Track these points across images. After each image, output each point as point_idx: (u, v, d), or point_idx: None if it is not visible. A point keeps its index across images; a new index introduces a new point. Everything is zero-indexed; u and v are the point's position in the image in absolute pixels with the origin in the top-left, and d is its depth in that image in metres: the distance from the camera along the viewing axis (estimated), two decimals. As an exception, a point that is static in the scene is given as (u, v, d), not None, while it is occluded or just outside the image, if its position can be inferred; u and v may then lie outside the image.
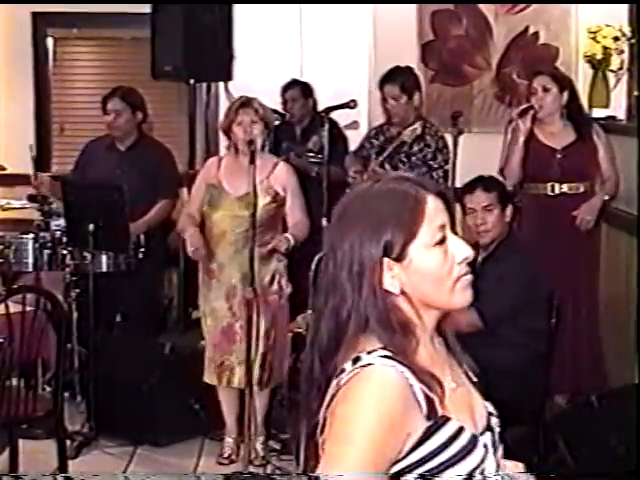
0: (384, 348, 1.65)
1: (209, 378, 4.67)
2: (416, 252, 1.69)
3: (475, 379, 1.82)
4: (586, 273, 5.25)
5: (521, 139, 5.09)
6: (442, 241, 1.70)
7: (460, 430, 1.67)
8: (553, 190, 5.14)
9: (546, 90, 5.14)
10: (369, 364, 1.63)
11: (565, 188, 5.15)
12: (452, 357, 1.80)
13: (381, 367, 1.62)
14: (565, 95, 5.18)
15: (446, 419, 1.66)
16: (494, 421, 1.79)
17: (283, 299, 4.64)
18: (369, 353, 1.65)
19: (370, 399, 1.60)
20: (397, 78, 5.34)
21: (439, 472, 1.64)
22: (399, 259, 1.68)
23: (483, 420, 1.76)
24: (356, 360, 1.65)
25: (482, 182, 4.39)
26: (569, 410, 4.77)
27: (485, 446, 1.71)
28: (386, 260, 1.68)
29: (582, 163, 5.18)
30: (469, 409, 1.73)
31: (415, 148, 5.23)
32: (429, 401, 1.64)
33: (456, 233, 1.74)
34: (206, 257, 4.61)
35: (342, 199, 1.78)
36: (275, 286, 4.61)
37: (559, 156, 5.16)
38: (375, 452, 1.59)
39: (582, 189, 5.19)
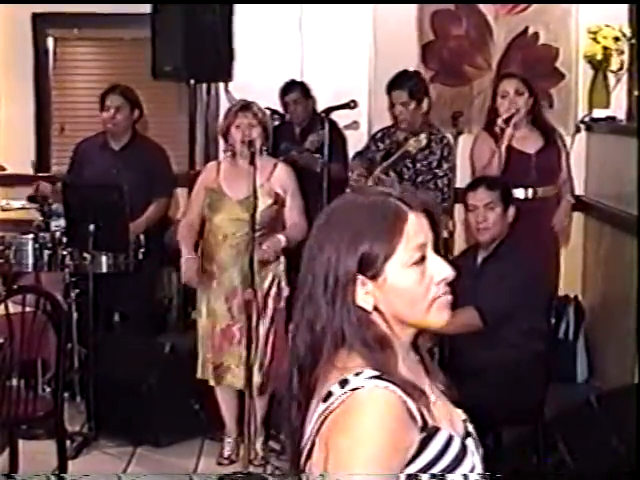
0: (370, 367, 1.61)
1: (205, 377, 4.69)
2: (392, 270, 1.66)
3: (444, 390, 1.79)
4: (556, 276, 5.26)
5: (503, 146, 5.02)
6: (421, 260, 1.67)
7: (450, 439, 1.66)
8: (527, 194, 5.08)
9: (519, 94, 5.08)
10: (359, 387, 1.59)
11: (540, 192, 5.12)
12: (427, 373, 1.77)
13: (373, 389, 1.58)
14: (531, 100, 5.13)
15: (436, 429, 1.64)
16: (470, 427, 1.77)
17: (282, 302, 4.63)
18: (357, 375, 1.61)
19: (368, 425, 1.56)
20: (405, 84, 5.29)
21: None
22: (374, 277, 1.66)
23: (461, 428, 1.75)
24: (344, 383, 1.61)
25: (485, 180, 4.46)
26: (569, 410, 4.76)
27: (472, 453, 1.71)
28: (360, 277, 1.65)
29: (553, 167, 5.18)
30: (449, 419, 1.72)
31: (420, 155, 5.20)
32: (421, 413, 1.62)
33: (439, 252, 1.71)
34: (206, 260, 4.63)
35: (326, 208, 1.76)
36: (274, 289, 4.62)
37: (534, 160, 5.12)
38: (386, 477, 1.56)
39: (553, 192, 5.18)
